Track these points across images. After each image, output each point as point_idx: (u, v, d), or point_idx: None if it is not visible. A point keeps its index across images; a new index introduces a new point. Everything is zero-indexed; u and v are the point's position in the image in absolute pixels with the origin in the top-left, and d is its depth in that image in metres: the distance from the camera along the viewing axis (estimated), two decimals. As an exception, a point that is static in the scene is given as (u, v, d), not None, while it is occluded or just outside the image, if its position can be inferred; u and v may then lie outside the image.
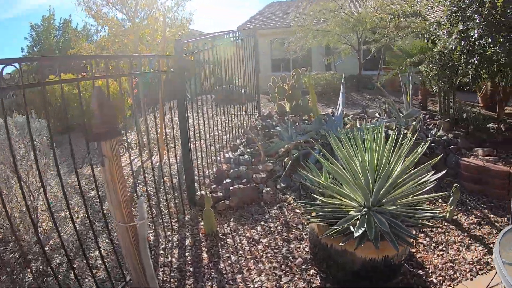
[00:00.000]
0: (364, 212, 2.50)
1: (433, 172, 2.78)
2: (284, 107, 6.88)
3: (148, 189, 4.36)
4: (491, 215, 4.03)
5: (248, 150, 5.20)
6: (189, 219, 3.82)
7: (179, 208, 3.92)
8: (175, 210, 3.80)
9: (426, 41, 6.02)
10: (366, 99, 9.06)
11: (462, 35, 4.14)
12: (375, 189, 2.57)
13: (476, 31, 3.85)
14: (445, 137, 5.32)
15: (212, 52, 4.72)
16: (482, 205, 4.38)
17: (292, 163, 4.62)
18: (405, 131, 5.20)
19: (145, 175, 3.35)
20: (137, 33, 7.26)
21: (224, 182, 4.36)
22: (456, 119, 5.68)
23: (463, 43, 4.14)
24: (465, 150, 5.20)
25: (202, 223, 3.65)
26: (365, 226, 2.34)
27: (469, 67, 4.33)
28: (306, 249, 3.23)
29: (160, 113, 5.47)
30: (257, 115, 7.10)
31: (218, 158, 5.03)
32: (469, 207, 4.28)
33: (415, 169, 2.73)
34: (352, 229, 2.32)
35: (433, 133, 5.23)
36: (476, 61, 4.15)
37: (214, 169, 4.72)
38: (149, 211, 3.38)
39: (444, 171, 2.97)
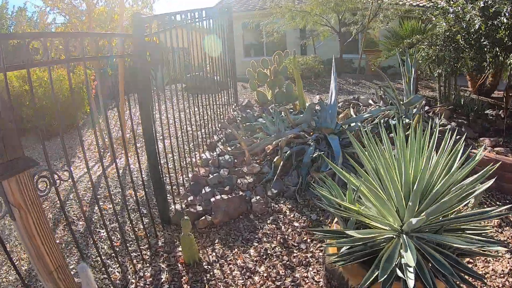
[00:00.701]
0: (402, 241, 1.83)
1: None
2: (265, 95, 6.12)
3: (109, 206, 3.52)
4: (511, 215, 3.54)
5: (229, 149, 4.41)
6: (163, 243, 3.02)
7: (149, 230, 3.10)
8: (145, 233, 2.97)
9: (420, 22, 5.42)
10: (350, 83, 8.47)
11: (486, 13, 3.54)
12: (418, 210, 1.89)
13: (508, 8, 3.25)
14: (448, 127, 4.79)
15: (181, 32, 3.83)
16: (498, 203, 3.91)
17: (284, 163, 3.89)
18: (406, 120, 4.61)
19: (95, 191, 2.50)
20: (91, 15, 6.14)
21: (203, 191, 3.57)
22: (455, 105, 5.17)
23: (489, 23, 3.55)
24: (470, 141, 4.69)
25: (180, 248, 2.86)
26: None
27: (486, 49, 3.76)
28: (315, 278, 2.54)
29: (121, 108, 4.53)
30: (235, 105, 6.29)
31: (194, 159, 4.21)
32: (485, 207, 3.77)
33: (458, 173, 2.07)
34: (400, 274, 1.63)
35: (436, 122, 4.67)
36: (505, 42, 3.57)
37: (190, 175, 3.90)
38: (110, 239, 2.54)
39: (494, 180, 2.33)
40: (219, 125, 5.18)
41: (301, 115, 4.82)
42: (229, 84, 6.32)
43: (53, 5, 7.20)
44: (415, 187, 1.81)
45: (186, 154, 4.16)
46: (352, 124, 4.62)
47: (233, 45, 6.12)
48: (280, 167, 3.82)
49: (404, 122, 4.58)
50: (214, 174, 3.87)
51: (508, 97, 4.58)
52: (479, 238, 1.97)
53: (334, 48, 10.13)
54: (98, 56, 2.67)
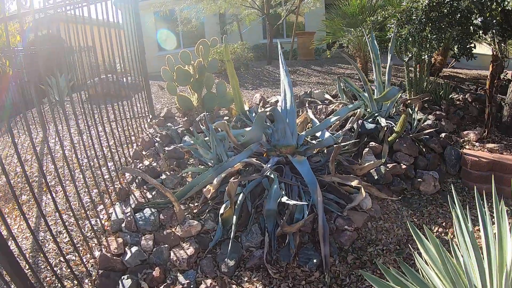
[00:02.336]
0: None
1: None
2: (190, 100, 4.61)
3: None
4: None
5: (149, 196, 2.88)
6: None
7: None
8: None
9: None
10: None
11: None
12: None
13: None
14: (428, 122, 3.86)
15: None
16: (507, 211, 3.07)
17: (240, 212, 2.53)
18: (383, 121, 3.54)
19: None
20: None
21: (119, 286, 2.05)
22: (430, 94, 4.30)
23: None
24: (455, 136, 3.84)
25: None
26: None
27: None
28: None
29: None
30: (151, 117, 4.67)
31: (98, 221, 2.61)
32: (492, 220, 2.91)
33: None
34: None
35: (416, 118, 3.70)
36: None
37: (96, 253, 2.33)
38: None
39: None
40: (131, 152, 3.58)
41: (247, 130, 3.46)
42: (140, 87, 4.67)
43: None
44: None
45: (86, 212, 2.53)
46: (318, 134, 3.41)
47: (142, 38, 4.46)
48: (233, 222, 2.44)
49: (381, 125, 3.50)
50: (133, 249, 2.36)
51: (491, 91, 3.79)
52: None
53: (260, 33, 8.88)
54: None
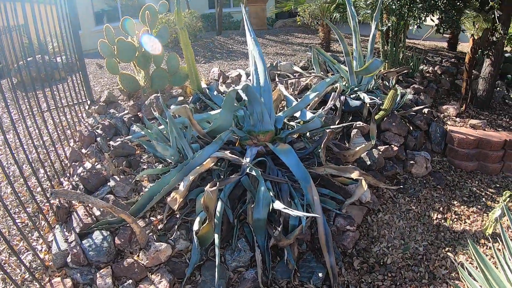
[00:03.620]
0: None
1: None
2: (135, 79, 3.82)
3: None
4: None
5: (97, 213, 2.19)
6: None
7: None
8: None
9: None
10: (240, 42, 6.64)
11: None
12: None
13: None
14: (409, 97, 3.55)
15: None
16: (490, 190, 2.94)
17: (221, 226, 1.98)
18: (366, 97, 3.14)
19: None
20: None
21: None
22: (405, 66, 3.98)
23: None
24: (435, 112, 3.59)
25: None
26: None
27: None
28: None
29: None
30: (89, 102, 3.83)
31: (30, 260, 1.91)
32: (483, 198, 2.79)
33: None
34: None
35: (399, 93, 3.35)
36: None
37: None
38: None
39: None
40: (69, 150, 2.81)
41: (212, 114, 2.85)
42: (75, 66, 3.79)
43: None
44: None
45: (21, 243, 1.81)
46: (297, 114, 2.91)
47: (74, 8, 3.54)
48: (216, 243, 1.88)
49: (365, 102, 3.10)
50: None
51: (470, 66, 3.56)
52: None
53: (205, 2, 8.01)
54: None
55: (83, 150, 2.81)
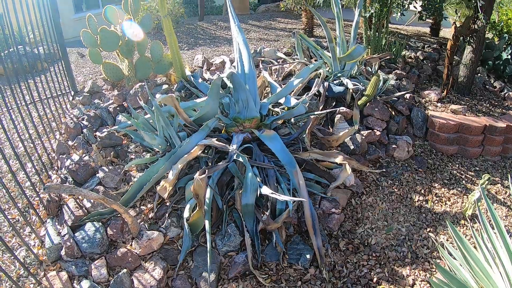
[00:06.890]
0: None
1: None
2: (119, 68, 3.78)
3: None
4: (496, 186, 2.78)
5: (88, 204, 2.21)
6: None
7: None
8: None
9: None
10: (222, 28, 6.58)
11: None
12: None
13: None
14: (392, 82, 3.63)
15: None
16: (470, 173, 3.07)
17: (210, 213, 2.04)
18: (349, 83, 3.20)
19: None
20: None
21: None
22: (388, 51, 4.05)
23: None
24: (417, 97, 3.69)
25: None
26: None
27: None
28: None
29: None
30: (72, 93, 3.78)
31: (24, 255, 1.92)
32: (463, 181, 2.92)
33: None
34: None
35: (382, 78, 3.42)
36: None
37: None
38: None
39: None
40: (55, 143, 2.79)
41: (198, 102, 2.87)
42: (56, 56, 3.72)
43: None
44: None
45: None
46: (281, 100, 2.96)
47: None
48: (207, 229, 1.94)
49: (348, 87, 3.16)
50: (85, 284, 1.78)
51: (452, 52, 3.65)
52: None
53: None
54: None
55: (70, 142, 2.80)
